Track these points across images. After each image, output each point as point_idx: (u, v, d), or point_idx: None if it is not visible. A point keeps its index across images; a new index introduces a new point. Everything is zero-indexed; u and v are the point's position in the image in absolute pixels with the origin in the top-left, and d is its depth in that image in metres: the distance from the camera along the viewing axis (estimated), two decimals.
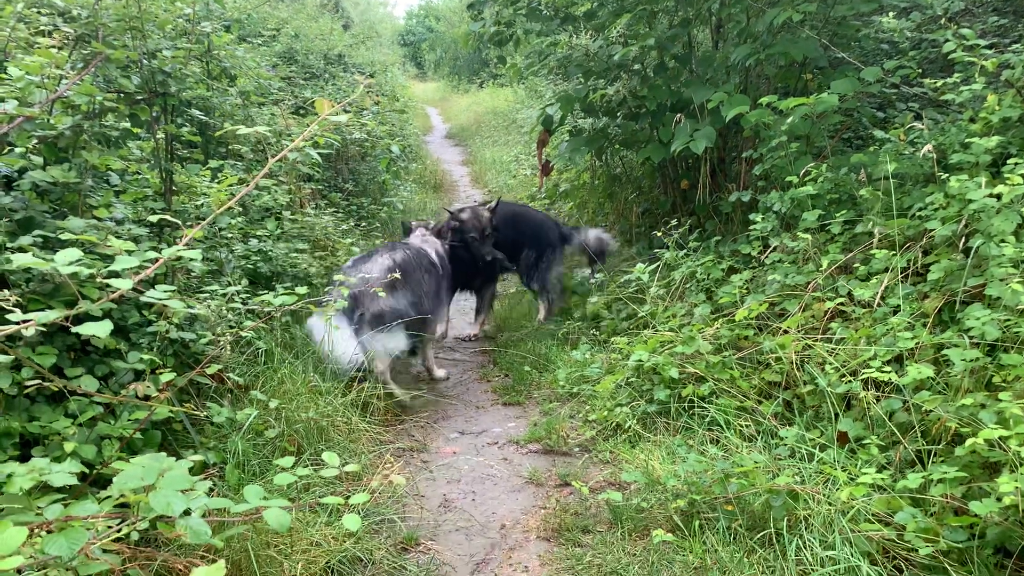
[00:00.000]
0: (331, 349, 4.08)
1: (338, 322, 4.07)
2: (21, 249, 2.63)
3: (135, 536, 1.93)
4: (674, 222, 5.57)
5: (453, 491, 3.69)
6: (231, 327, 3.50)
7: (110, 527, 1.82)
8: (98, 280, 2.04)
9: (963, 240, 3.34)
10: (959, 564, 2.46)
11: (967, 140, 3.59)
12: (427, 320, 4.77)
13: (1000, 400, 2.61)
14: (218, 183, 4.23)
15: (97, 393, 2.59)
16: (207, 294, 3.62)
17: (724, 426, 3.56)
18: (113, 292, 2.04)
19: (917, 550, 2.47)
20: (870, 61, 5.42)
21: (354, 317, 4.26)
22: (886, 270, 3.58)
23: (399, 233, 5.40)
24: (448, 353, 5.82)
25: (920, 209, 3.63)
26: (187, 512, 1.76)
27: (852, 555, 2.55)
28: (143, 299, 2.24)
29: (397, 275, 4.36)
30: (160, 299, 2.23)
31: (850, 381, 3.24)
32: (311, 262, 5.27)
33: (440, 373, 5.21)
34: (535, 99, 14.39)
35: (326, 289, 4.65)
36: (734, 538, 2.95)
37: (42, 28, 3.51)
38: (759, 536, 2.88)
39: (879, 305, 3.50)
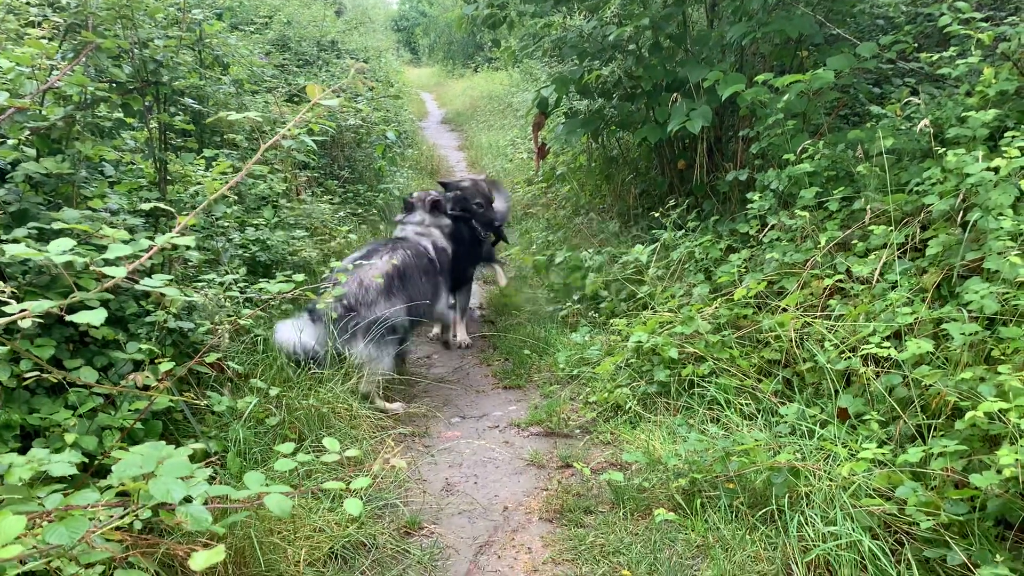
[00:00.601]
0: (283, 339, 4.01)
1: (298, 322, 4.08)
2: (16, 241, 2.62)
3: (137, 525, 1.94)
4: (672, 202, 5.56)
5: (455, 475, 3.70)
6: (229, 316, 3.49)
7: (111, 516, 1.82)
8: (93, 270, 2.03)
9: (961, 214, 3.33)
10: (960, 537, 2.47)
11: (964, 114, 3.58)
12: (429, 309, 4.76)
13: (999, 373, 2.61)
14: (212, 171, 4.21)
15: (97, 384, 2.58)
16: (204, 283, 3.61)
17: (724, 405, 3.57)
18: (107, 281, 2.03)
19: (918, 524, 2.48)
20: (866, 36, 5.39)
21: (314, 316, 4.14)
22: (884, 246, 3.57)
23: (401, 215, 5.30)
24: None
25: (918, 184, 3.62)
26: (187, 499, 1.76)
27: (854, 530, 2.56)
28: (140, 288, 2.23)
29: (396, 280, 4.37)
30: (156, 288, 2.22)
31: (849, 357, 3.24)
32: (312, 252, 5.25)
33: (467, 340, 5.50)
34: (530, 82, 14.31)
35: (323, 277, 4.63)
36: (736, 516, 2.96)
37: (32, 19, 3.48)
38: (761, 513, 2.90)
39: (878, 281, 3.50)
